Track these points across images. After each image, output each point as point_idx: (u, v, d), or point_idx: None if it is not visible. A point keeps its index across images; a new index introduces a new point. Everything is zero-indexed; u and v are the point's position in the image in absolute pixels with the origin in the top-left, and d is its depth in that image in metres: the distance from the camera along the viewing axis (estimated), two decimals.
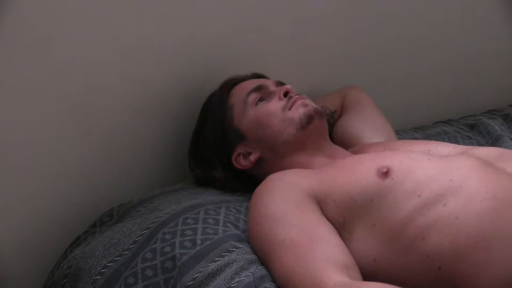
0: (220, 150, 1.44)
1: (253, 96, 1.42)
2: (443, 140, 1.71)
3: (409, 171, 1.18)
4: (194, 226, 1.25)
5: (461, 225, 1.08)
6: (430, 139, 1.71)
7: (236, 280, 1.13)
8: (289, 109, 1.38)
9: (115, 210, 1.43)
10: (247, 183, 1.43)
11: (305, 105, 1.38)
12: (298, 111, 1.37)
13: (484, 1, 1.99)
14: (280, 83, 1.45)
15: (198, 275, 1.15)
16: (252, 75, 1.52)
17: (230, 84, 1.48)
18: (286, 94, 1.40)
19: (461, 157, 1.23)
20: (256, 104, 1.41)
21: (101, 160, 1.54)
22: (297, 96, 1.40)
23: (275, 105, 1.39)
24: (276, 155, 1.39)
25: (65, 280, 1.29)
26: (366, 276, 1.10)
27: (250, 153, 1.41)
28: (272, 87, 1.43)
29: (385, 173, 1.18)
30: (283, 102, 1.39)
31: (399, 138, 1.71)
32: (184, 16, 1.56)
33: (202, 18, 1.58)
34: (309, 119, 1.36)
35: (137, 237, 1.27)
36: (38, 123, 1.44)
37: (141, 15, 1.51)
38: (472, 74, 1.96)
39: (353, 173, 1.22)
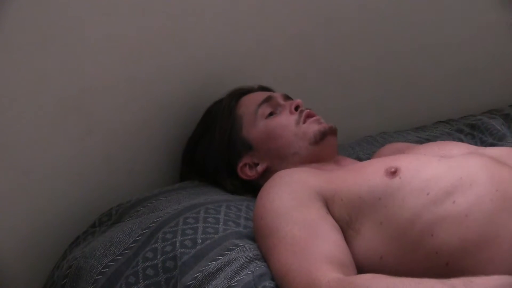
0: (225, 159, 1.46)
1: (264, 108, 1.45)
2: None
3: (417, 171, 1.18)
4: (195, 225, 1.25)
5: (471, 222, 1.08)
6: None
7: (236, 279, 1.13)
8: (303, 122, 1.42)
9: (114, 210, 1.43)
10: (248, 190, 1.45)
11: (320, 122, 1.42)
12: (313, 127, 1.41)
13: (484, 1, 1.99)
14: (287, 97, 1.49)
15: (199, 275, 1.15)
16: (259, 88, 1.55)
17: (238, 93, 1.51)
18: (296, 108, 1.44)
19: (472, 156, 1.23)
20: (267, 117, 1.44)
21: (101, 160, 1.54)
22: (307, 110, 1.44)
23: (287, 119, 1.43)
24: (284, 166, 1.41)
25: (65, 280, 1.29)
26: (372, 273, 1.10)
27: (256, 164, 1.44)
28: (281, 100, 1.47)
29: (393, 173, 1.18)
30: (295, 116, 1.43)
31: (400, 139, 1.71)
32: (185, 17, 1.56)
33: (203, 19, 1.59)
34: (322, 135, 1.41)
35: (137, 236, 1.27)
36: (38, 123, 1.44)
37: (142, 16, 1.51)
38: (472, 74, 1.97)
39: (362, 173, 1.23)
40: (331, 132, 1.41)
